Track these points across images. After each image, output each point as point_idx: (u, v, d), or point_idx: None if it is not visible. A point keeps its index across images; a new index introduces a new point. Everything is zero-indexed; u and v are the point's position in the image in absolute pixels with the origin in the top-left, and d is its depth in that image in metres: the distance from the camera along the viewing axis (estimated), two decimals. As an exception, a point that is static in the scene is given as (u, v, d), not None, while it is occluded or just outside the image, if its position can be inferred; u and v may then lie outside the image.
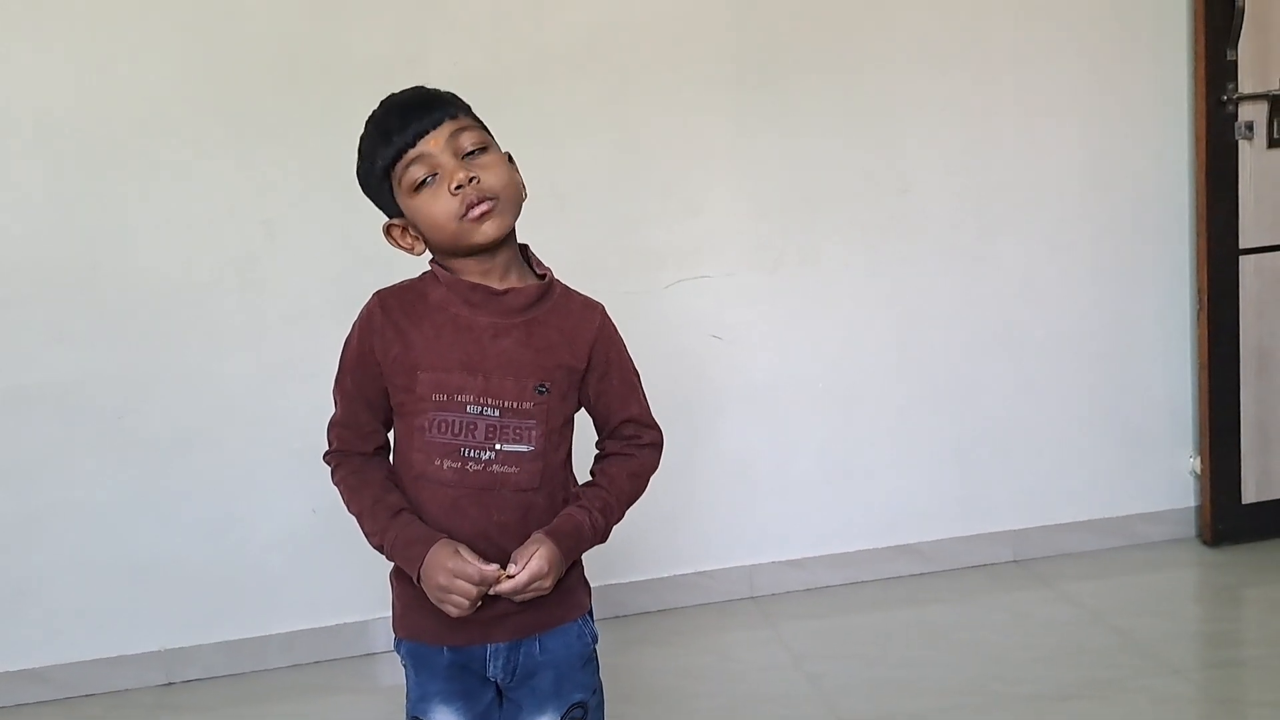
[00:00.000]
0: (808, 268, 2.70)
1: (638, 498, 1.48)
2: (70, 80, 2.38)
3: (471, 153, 1.37)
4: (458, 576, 1.33)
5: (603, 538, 1.44)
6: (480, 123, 1.41)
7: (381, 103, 1.42)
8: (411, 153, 1.35)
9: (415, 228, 1.40)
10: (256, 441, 2.52)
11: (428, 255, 1.44)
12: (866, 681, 2.34)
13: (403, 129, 1.35)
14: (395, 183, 1.37)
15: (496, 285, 1.40)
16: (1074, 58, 2.75)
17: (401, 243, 1.43)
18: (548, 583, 1.36)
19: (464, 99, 1.43)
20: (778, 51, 2.62)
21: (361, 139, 1.41)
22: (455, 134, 1.36)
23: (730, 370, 2.70)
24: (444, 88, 1.44)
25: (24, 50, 2.37)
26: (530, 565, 1.34)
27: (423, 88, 1.41)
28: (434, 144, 1.35)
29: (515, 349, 1.39)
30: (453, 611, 1.35)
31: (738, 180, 2.65)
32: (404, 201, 1.38)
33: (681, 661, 2.50)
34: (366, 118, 1.42)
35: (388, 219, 1.43)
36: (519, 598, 1.36)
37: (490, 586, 1.34)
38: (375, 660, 2.57)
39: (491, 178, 1.36)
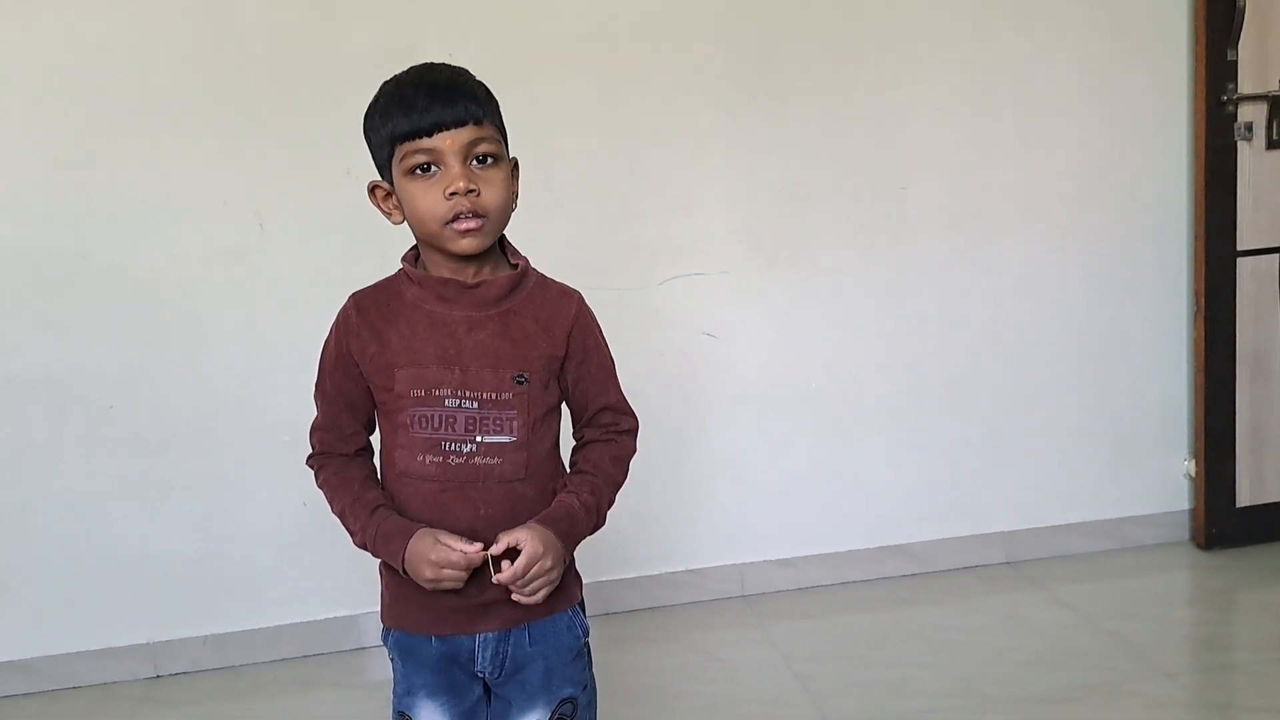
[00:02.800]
0: (802, 266, 2.68)
1: (622, 483, 1.48)
2: (60, 69, 2.36)
3: (482, 159, 1.35)
4: (443, 566, 1.33)
5: (597, 519, 1.43)
6: (501, 126, 1.39)
7: (416, 68, 1.38)
8: (424, 141, 1.32)
9: (399, 201, 1.39)
10: (246, 434, 2.51)
11: (401, 253, 1.44)
12: (856, 682, 2.33)
13: (425, 112, 1.32)
14: (396, 156, 1.35)
15: (469, 279, 1.39)
16: (1073, 57, 2.73)
17: (383, 206, 1.42)
18: (549, 563, 1.34)
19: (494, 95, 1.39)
20: (774, 48, 2.61)
21: (384, 92, 1.37)
22: (474, 140, 1.33)
23: (723, 368, 2.68)
24: None
25: (13, 39, 2.35)
26: (525, 550, 1.33)
27: (463, 73, 1.38)
28: (449, 143, 1.32)
29: (491, 340, 1.38)
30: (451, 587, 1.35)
31: (732, 177, 2.64)
32: (398, 177, 1.36)
33: (670, 660, 2.49)
34: (398, 74, 1.38)
35: (377, 178, 1.41)
36: (528, 590, 1.34)
37: (478, 563, 1.33)
38: (363, 655, 2.56)
39: (491, 195, 1.34)
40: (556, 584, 1.37)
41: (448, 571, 1.33)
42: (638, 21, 2.55)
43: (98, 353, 2.44)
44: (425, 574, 1.34)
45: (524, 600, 1.35)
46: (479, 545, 1.33)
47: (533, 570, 1.33)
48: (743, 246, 2.66)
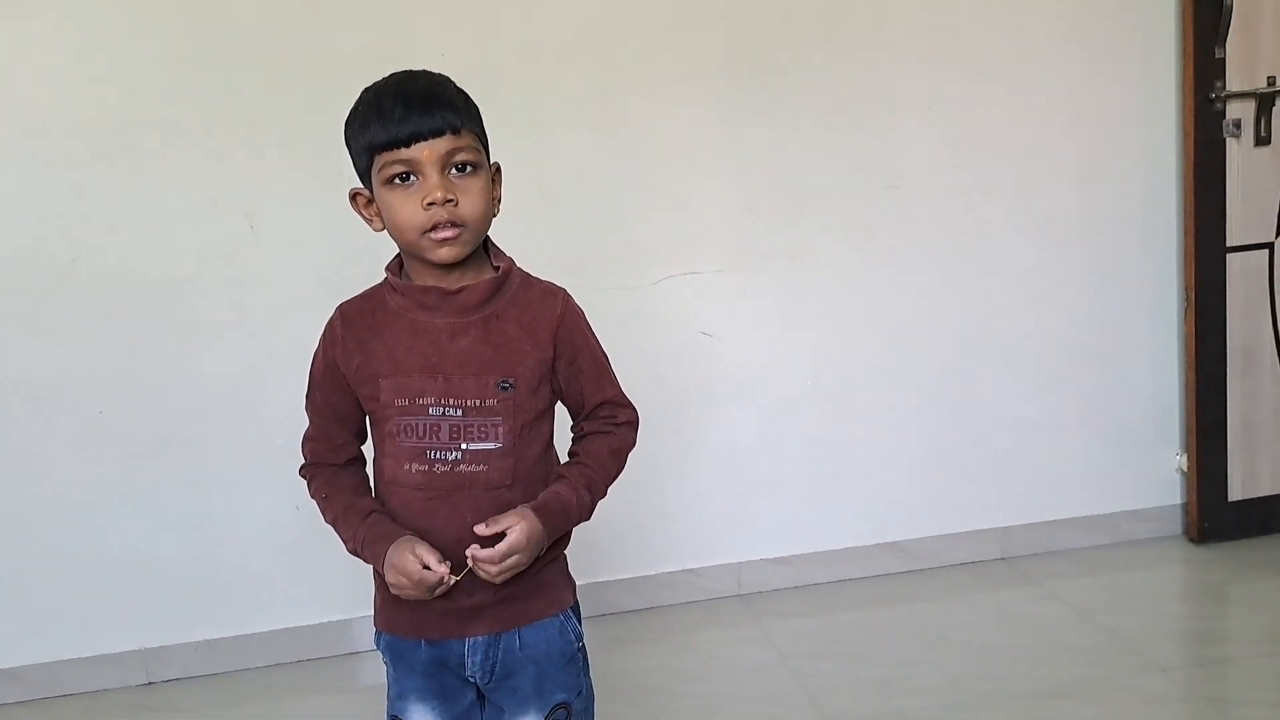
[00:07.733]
0: (797, 264, 2.69)
1: (617, 476, 1.47)
2: (51, 72, 2.34)
3: (461, 168, 1.34)
4: (403, 574, 1.32)
5: (587, 515, 1.43)
6: (482, 133, 1.38)
7: (394, 76, 1.37)
8: (402, 152, 1.32)
9: (379, 209, 1.39)
10: (238, 438, 2.50)
11: (392, 254, 1.43)
12: (853, 680, 2.33)
13: (402, 123, 1.31)
14: (375, 166, 1.34)
15: (451, 285, 1.38)
16: (1063, 55, 2.74)
17: (364, 213, 1.42)
18: (523, 557, 1.33)
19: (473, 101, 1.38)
20: (767, 45, 2.61)
21: (362, 101, 1.37)
22: (452, 150, 1.32)
23: (719, 367, 2.68)
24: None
25: (3, 42, 2.33)
26: (510, 538, 1.32)
27: (441, 81, 1.37)
28: (426, 153, 1.31)
29: (474, 347, 1.37)
30: (411, 597, 1.35)
31: (727, 175, 2.63)
32: (377, 186, 1.36)
33: (668, 660, 2.48)
34: (377, 81, 1.37)
35: (358, 186, 1.41)
36: (493, 573, 1.33)
37: (435, 582, 1.32)
38: (357, 660, 2.55)
39: (469, 205, 1.33)
40: (520, 570, 1.35)
41: (404, 580, 1.32)
42: (631, 20, 2.54)
43: (88, 356, 2.42)
44: (390, 579, 1.34)
45: (483, 575, 1.33)
46: (447, 568, 1.32)
47: (506, 562, 1.32)
48: (738, 245, 2.66)
